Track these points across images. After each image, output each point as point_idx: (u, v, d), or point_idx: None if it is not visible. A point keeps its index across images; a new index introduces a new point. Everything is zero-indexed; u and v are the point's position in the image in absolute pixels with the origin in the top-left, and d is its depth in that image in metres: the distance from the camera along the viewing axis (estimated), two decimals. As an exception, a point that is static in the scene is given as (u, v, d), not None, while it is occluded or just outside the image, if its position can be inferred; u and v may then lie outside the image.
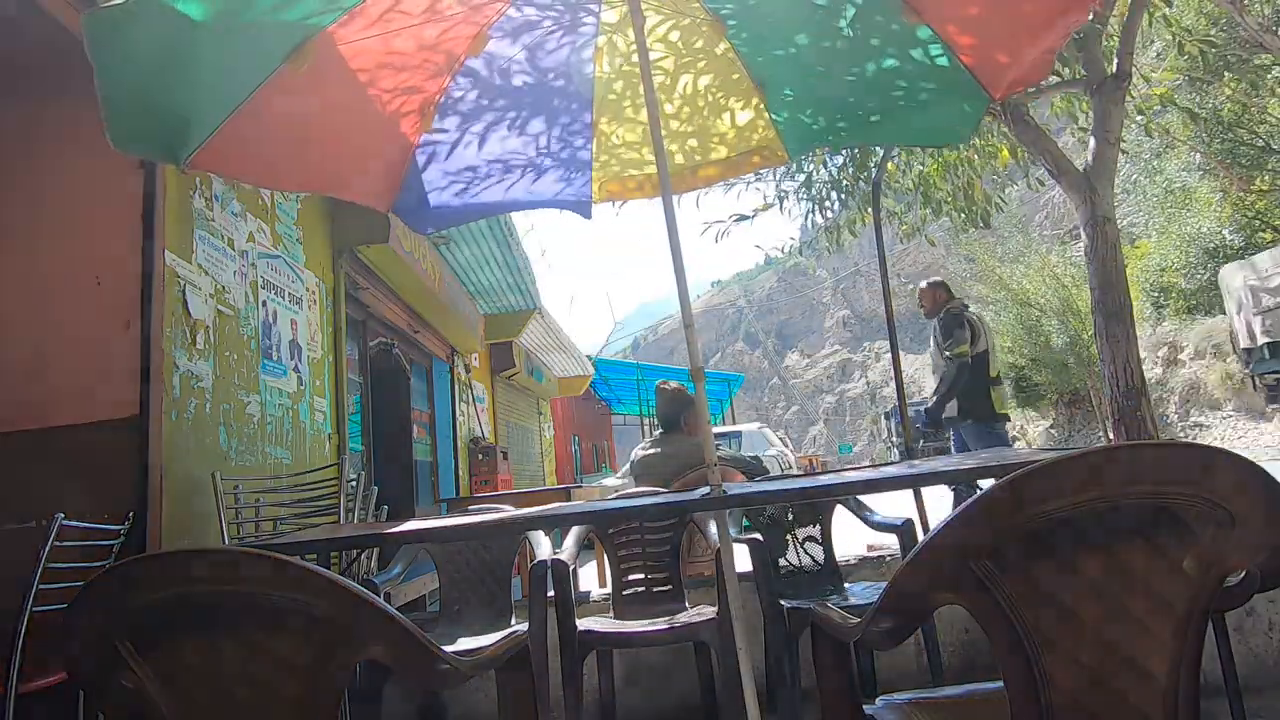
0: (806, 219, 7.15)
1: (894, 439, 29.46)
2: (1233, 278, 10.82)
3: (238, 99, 1.78)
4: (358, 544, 2.51)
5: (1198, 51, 5.66)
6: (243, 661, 1.04)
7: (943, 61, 2.12)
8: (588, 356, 13.61)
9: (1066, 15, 1.89)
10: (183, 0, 1.48)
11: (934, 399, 5.32)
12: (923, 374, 42.10)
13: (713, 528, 2.59)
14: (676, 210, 1.99)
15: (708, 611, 2.40)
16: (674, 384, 4.14)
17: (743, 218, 6.71)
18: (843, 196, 6.71)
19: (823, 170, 6.77)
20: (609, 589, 2.87)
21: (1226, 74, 11.74)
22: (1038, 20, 1.91)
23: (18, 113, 2.96)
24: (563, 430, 16.61)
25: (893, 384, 5.58)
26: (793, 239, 8.97)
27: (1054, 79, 5.33)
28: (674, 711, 2.87)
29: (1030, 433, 24.23)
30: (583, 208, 2.57)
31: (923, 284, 5.76)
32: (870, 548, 4.00)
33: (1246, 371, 11.31)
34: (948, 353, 5.24)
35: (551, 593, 2.40)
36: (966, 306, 5.47)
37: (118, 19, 1.44)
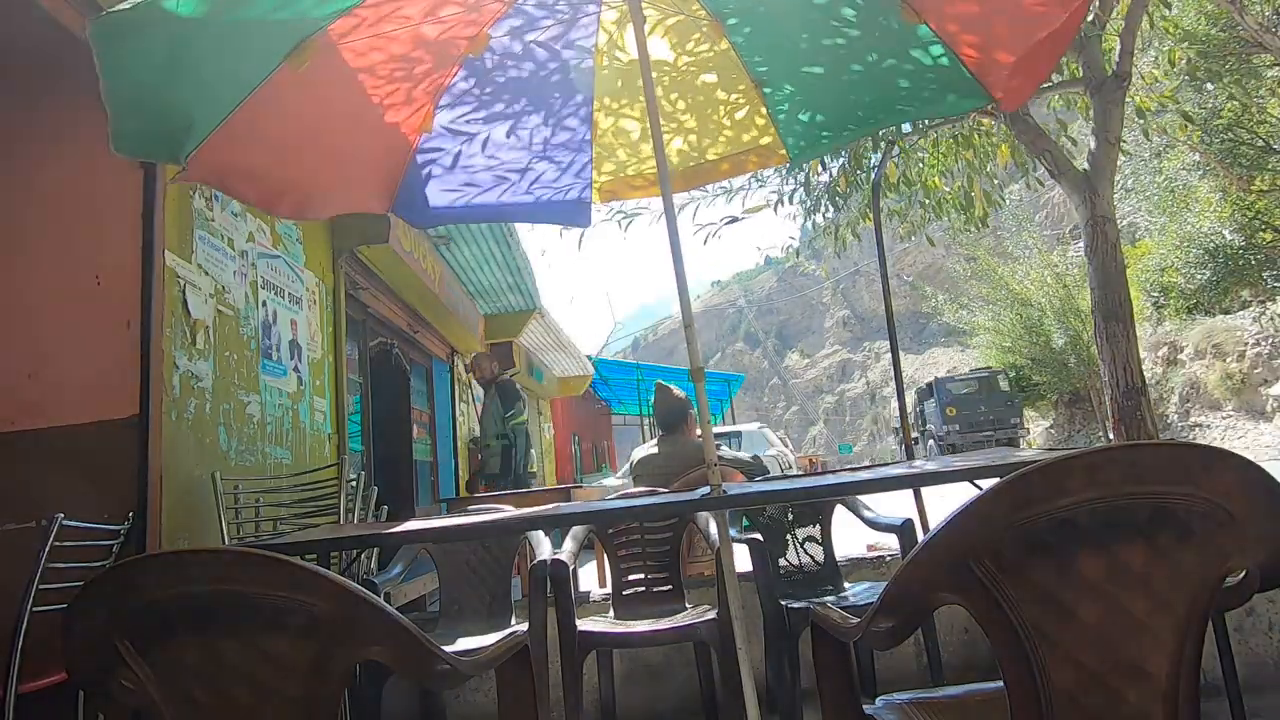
0: (806, 219, 7.15)
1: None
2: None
3: (238, 98, 1.78)
4: (358, 544, 2.51)
5: (1185, 60, 5.69)
6: (243, 662, 1.04)
7: (944, 61, 2.12)
8: (588, 356, 13.60)
9: (1066, 13, 1.89)
10: (183, 2, 1.48)
11: (517, 462, 6.16)
12: (923, 374, 42.06)
13: (713, 528, 2.59)
14: (675, 210, 1.99)
15: (708, 612, 2.40)
16: (671, 386, 4.14)
17: (732, 220, 6.73)
18: (839, 201, 6.70)
19: (821, 173, 6.77)
20: (609, 589, 2.87)
21: (1224, 77, 11.80)
22: (1039, 18, 1.91)
23: (17, 112, 2.96)
24: (563, 430, 16.61)
25: (893, 384, 5.59)
26: (793, 239, 8.98)
27: (1055, 78, 5.33)
28: (674, 711, 2.87)
29: (1030, 432, 24.24)
30: (582, 211, 2.57)
31: (477, 354, 6.54)
32: (870, 548, 3.99)
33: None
34: (513, 421, 6.09)
35: (551, 593, 2.40)
36: (512, 378, 6.33)
37: (123, 25, 1.44)
